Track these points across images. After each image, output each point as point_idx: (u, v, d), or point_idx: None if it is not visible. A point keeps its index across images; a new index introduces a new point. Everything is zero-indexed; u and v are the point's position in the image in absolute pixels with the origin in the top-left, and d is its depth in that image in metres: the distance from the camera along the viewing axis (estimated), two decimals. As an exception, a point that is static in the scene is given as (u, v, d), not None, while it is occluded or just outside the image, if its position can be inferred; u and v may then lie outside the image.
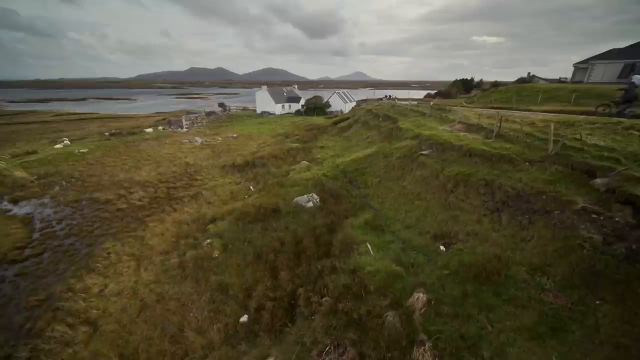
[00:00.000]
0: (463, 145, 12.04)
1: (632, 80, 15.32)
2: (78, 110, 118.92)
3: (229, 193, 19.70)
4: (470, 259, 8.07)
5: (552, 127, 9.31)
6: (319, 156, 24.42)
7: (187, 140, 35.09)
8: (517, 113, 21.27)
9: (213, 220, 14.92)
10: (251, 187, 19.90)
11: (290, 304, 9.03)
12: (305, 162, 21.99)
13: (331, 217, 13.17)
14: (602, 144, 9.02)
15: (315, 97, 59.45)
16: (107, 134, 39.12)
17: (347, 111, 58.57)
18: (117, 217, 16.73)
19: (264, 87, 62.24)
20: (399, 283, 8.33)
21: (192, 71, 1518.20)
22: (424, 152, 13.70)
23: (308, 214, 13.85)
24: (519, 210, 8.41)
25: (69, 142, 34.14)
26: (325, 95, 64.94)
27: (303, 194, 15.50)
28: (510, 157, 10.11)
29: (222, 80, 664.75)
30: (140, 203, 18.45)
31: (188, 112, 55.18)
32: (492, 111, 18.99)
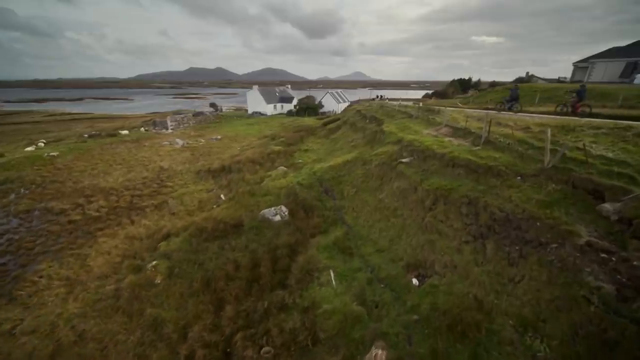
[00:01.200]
0: (446, 154, 10.37)
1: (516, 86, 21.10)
2: (74, 111, 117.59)
3: (197, 202, 18.01)
4: (445, 302, 6.41)
5: (549, 134, 7.64)
6: (300, 161, 22.72)
7: (167, 143, 33.37)
8: (512, 115, 19.66)
9: (167, 236, 13.21)
10: (222, 196, 18.21)
11: (225, 353, 7.33)
12: (283, 167, 20.29)
13: (297, 235, 11.49)
14: (610, 155, 7.36)
15: (308, 97, 57.70)
16: (86, 135, 37.35)
17: (340, 111, 56.94)
18: (66, 231, 15.02)
19: (255, 87, 60.51)
20: (357, 330, 6.67)
21: (192, 71, 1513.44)
22: (403, 160, 12.03)
23: (273, 231, 12.17)
24: (508, 238, 6.73)
25: (42, 144, 32.39)
26: (322, 95, 63.31)
27: (274, 205, 13.83)
28: (498, 169, 8.43)
29: (221, 80, 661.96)
30: (97, 214, 16.73)
31: (176, 113, 53.45)
32: (484, 112, 17.32)
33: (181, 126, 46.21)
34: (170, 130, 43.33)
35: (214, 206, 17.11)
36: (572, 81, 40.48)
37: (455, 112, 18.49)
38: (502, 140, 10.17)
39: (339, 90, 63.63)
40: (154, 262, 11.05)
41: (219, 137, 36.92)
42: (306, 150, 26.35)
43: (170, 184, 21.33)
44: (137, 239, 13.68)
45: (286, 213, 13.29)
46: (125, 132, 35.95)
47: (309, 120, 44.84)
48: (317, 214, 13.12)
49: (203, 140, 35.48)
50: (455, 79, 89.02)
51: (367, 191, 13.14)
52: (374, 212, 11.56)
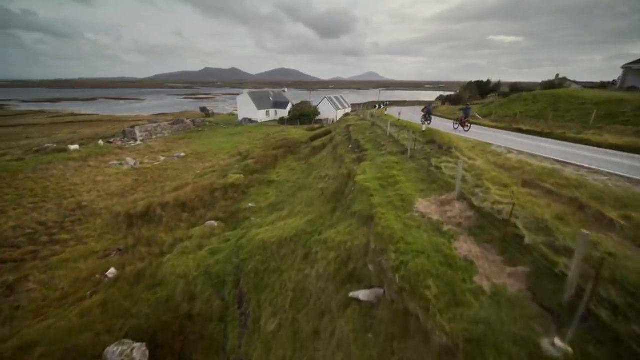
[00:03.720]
0: (457, 319, 3.60)
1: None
2: (83, 112, 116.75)
3: (72, 281, 11.84)
4: None
5: None
6: (251, 205, 16.25)
7: (116, 163, 27.64)
8: (568, 148, 12.55)
9: None
10: (110, 272, 11.93)
11: None
12: (212, 222, 13.83)
13: None
14: None
15: (303, 103, 51.05)
16: (35, 148, 32.19)
17: (338, 118, 50.16)
18: None
19: (245, 92, 54.44)
20: None
21: (207, 71, 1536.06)
22: (359, 298, 5.34)
23: None
24: None
25: (-29, 163, 27.23)
26: (330, 96, 56.22)
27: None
28: None
29: (234, 80, 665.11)
30: None
31: (151, 121, 48.07)
32: (525, 160, 10.40)
33: (154, 137, 40.67)
34: (138, 142, 37.83)
35: (88, 294, 10.90)
36: (625, 88, 32.21)
37: (477, 150, 11.58)
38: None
39: (339, 95, 56.57)
40: None
41: (183, 154, 30.92)
42: (270, 183, 19.84)
43: (66, 236, 15.28)
44: None
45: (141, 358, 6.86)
46: (74, 147, 30.50)
47: (296, 132, 38.34)
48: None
49: (163, 158, 29.58)
50: (472, 81, 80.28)
51: (293, 333, 6.49)
52: None
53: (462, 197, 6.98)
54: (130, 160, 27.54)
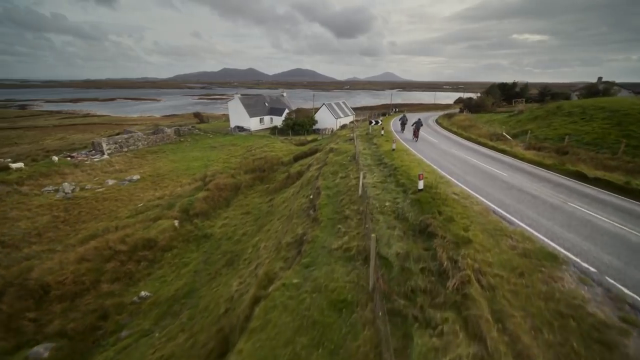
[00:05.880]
0: None
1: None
2: (99, 112, 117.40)
3: None
4: None
5: None
6: (143, 294, 10.52)
7: (50, 189, 22.78)
8: None
9: None
10: None
11: None
12: (41, 352, 8.15)
13: None
14: None
15: (298, 111, 45.12)
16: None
17: (338, 127, 43.94)
18: None
19: (237, 97, 49.04)
20: None
21: (225, 72, 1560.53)
22: None
23: None
24: None
25: None
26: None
27: None
28: None
29: (250, 80, 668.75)
30: None
31: (128, 131, 43.61)
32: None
33: (125, 149, 35.98)
34: (105, 156, 33.22)
35: None
36: None
37: (521, 265, 5.22)
38: None
39: (340, 101, 49.93)
40: None
41: (137, 177, 25.73)
42: (204, 240, 14.08)
43: None
44: None
45: None
46: (17, 165, 26.03)
47: (282, 148, 32.52)
48: None
49: (111, 182, 24.50)
50: (495, 83, 71.37)
51: None
52: None
53: None
54: (68, 187, 22.60)
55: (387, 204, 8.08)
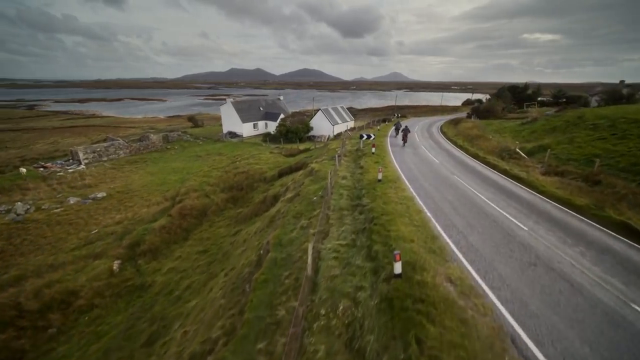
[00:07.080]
0: None
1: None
2: (104, 113, 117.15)
3: None
4: None
5: None
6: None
7: (2, 209, 20.40)
8: None
9: None
10: None
11: None
12: None
13: None
14: None
15: (292, 116, 42.22)
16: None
17: (334, 134, 40.90)
18: None
19: (229, 101, 46.42)
20: None
21: (232, 72, 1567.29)
22: None
23: None
24: None
25: None
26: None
27: None
28: None
29: (257, 80, 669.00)
30: None
31: (111, 138, 41.33)
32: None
33: (104, 158, 33.69)
34: (81, 166, 30.97)
35: None
36: None
37: None
38: None
39: (338, 106, 46.83)
40: None
41: (102, 194, 23.19)
42: (136, 296, 11.32)
43: None
44: None
45: None
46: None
47: (268, 160, 29.68)
48: None
49: (73, 201, 22.02)
50: (505, 85, 67.31)
51: None
52: None
53: None
54: (21, 207, 20.18)
55: (341, 304, 5.15)
